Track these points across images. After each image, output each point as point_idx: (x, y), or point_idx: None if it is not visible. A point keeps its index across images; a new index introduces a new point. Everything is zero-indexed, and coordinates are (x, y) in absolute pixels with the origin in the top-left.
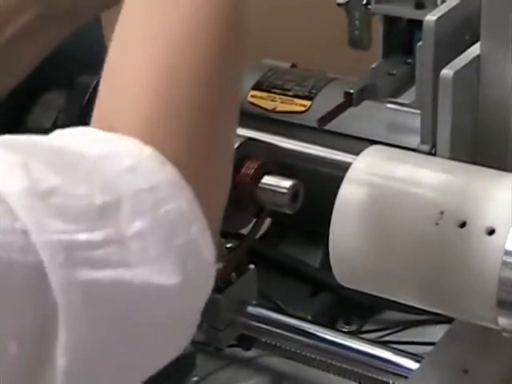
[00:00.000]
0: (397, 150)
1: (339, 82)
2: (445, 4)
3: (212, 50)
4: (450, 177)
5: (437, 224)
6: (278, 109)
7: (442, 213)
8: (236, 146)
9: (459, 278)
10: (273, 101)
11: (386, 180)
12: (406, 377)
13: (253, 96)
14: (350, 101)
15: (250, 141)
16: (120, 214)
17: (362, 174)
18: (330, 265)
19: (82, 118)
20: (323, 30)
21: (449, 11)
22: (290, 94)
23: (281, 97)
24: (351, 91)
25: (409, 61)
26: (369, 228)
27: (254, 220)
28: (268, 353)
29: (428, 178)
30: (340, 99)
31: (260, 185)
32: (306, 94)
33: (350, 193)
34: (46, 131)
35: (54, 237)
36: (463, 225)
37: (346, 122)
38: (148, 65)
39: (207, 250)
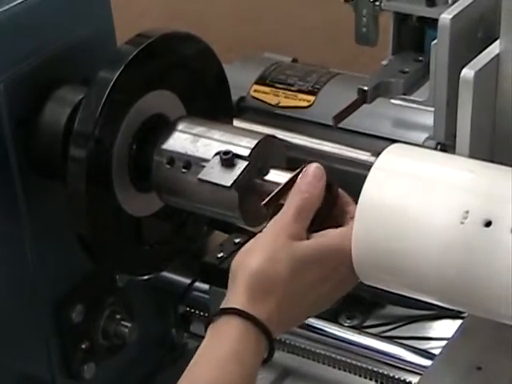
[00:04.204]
0: (417, 148)
1: (342, 77)
2: (459, 2)
3: None
4: (475, 176)
5: (462, 223)
6: (282, 104)
7: (467, 212)
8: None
9: (484, 277)
10: (276, 95)
11: (410, 179)
12: (413, 372)
13: (256, 90)
14: (364, 98)
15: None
16: None
17: (385, 173)
18: None
19: (101, 114)
20: (323, 24)
21: (463, 9)
22: (293, 88)
23: (284, 91)
24: (365, 88)
25: (420, 58)
26: (393, 227)
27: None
28: None
29: (452, 176)
30: (343, 95)
31: (277, 180)
32: (310, 89)
33: (373, 191)
34: (60, 126)
35: None
36: (489, 224)
37: (351, 118)
38: None
39: None
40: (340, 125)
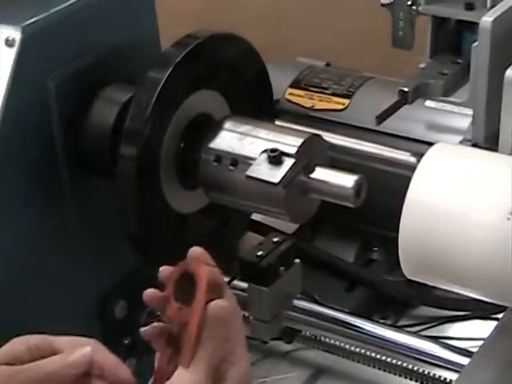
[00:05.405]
0: (462, 146)
1: (376, 81)
2: (500, 5)
3: None
4: None
5: (508, 219)
6: (317, 107)
7: None
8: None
9: None
10: (311, 99)
11: (456, 176)
12: (450, 369)
13: (290, 94)
14: (404, 99)
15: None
16: None
17: (431, 171)
18: (364, 260)
19: (152, 112)
20: (353, 30)
21: (504, 12)
22: (327, 92)
23: (319, 95)
24: (406, 89)
25: (459, 61)
26: (439, 224)
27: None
28: (306, 346)
29: (498, 174)
30: (378, 98)
31: (323, 178)
32: (344, 92)
33: (420, 190)
34: (109, 125)
35: None
36: None
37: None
38: None
39: None
40: (373, 127)
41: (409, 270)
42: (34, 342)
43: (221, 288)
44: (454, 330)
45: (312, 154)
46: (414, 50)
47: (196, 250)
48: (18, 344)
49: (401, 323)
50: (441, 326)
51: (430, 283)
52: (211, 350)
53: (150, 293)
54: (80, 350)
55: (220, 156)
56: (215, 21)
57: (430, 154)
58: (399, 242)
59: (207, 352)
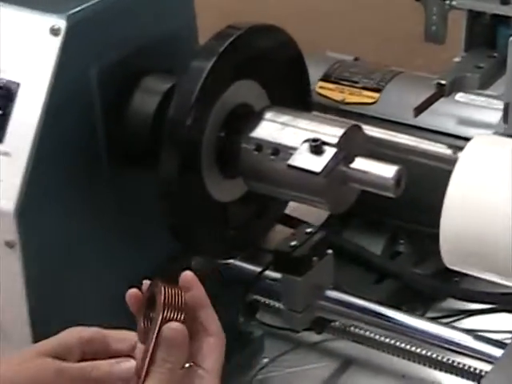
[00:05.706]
0: (502, 137)
1: (405, 75)
2: None
3: None
4: None
5: None
6: (347, 100)
7: None
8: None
9: None
10: (341, 92)
11: (497, 168)
12: (481, 360)
13: (321, 87)
14: (441, 91)
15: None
16: None
17: (473, 162)
18: (392, 253)
19: (196, 101)
20: (376, 26)
21: None
22: (358, 85)
23: (349, 88)
24: (443, 82)
25: (494, 54)
26: (480, 214)
27: None
28: (336, 337)
29: None
30: (407, 92)
31: (363, 168)
32: (375, 86)
33: (462, 183)
34: (150, 114)
35: None
36: None
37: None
38: None
39: None
40: (404, 121)
41: (449, 260)
42: (86, 335)
43: (181, 310)
44: (481, 322)
45: (352, 144)
46: (441, 46)
47: (187, 275)
48: (71, 335)
49: (428, 315)
50: (468, 319)
51: (470, 273)
52: (166, 372)
53: (132, 292)
54: (126, 362)
55: (261, 145)
56: (242, 16)
57: (471, 145)
58: (441, 230)
59: (162, 374)
